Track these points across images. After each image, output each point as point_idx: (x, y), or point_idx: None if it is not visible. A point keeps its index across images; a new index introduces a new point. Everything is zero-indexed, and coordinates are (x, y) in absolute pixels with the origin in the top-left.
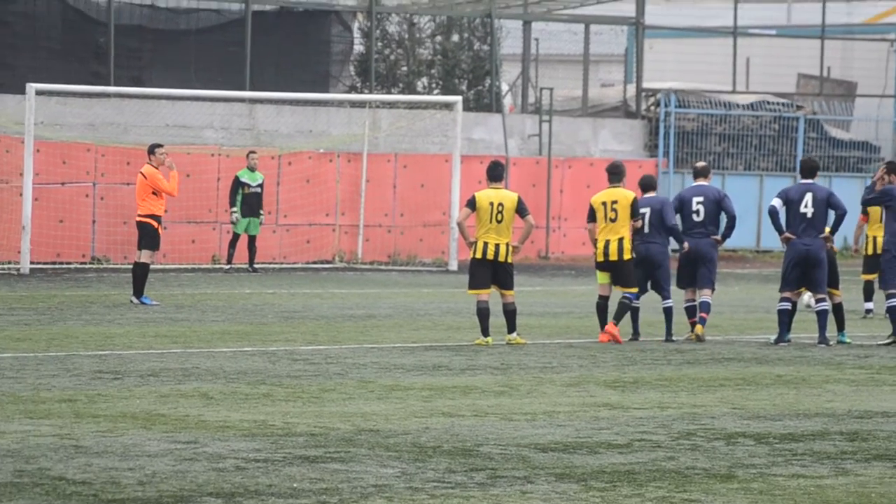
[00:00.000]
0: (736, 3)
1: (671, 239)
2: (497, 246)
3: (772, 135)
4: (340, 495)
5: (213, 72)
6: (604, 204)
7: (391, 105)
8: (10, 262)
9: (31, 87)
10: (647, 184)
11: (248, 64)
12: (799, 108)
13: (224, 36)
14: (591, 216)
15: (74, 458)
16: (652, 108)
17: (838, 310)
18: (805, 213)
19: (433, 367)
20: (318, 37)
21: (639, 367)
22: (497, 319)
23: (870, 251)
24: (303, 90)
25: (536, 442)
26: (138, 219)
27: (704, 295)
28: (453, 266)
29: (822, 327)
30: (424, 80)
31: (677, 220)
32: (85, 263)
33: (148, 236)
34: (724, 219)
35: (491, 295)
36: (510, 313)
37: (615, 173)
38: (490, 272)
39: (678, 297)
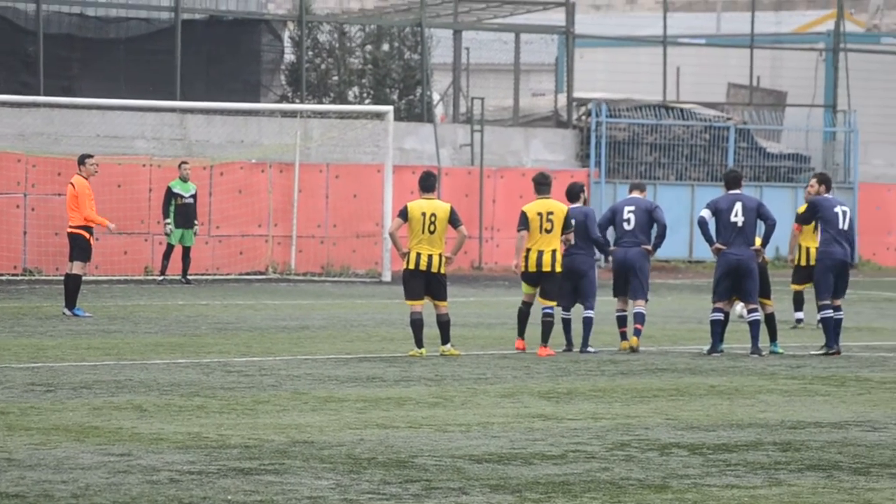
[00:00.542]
0: (665, 12)
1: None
2: (430, 256)
3: (703, 144)
4: None
5: (144, 81)
6: (539, 214)
7: (322, 115)
8: None
9: None
10: (573, 192)
11: (179, 73)
12: (728, 117)
13: (154, 45)
14: (524, 224)
15: (7, 472)
16: (583, 117)
17: (770, 320)
18: (735, 223)
19: (367, 378)
20: (249, 46)
21: (573, 378)
22: (431, 330)
23: (802, 262)
24: (234, 100)
25: (471, 453)
26: (70, 230)
27: (638, 306)
28: (387, 277)
29: (755, 337)
30: (355, 89)
31: (609, 232)
32: (16, 275)
33: (79, 248)
34: (649, 231)
35: (425, 306)
36: (444, 324)
37: (544, 184)
38: (423, 283)
39: (603, 309)
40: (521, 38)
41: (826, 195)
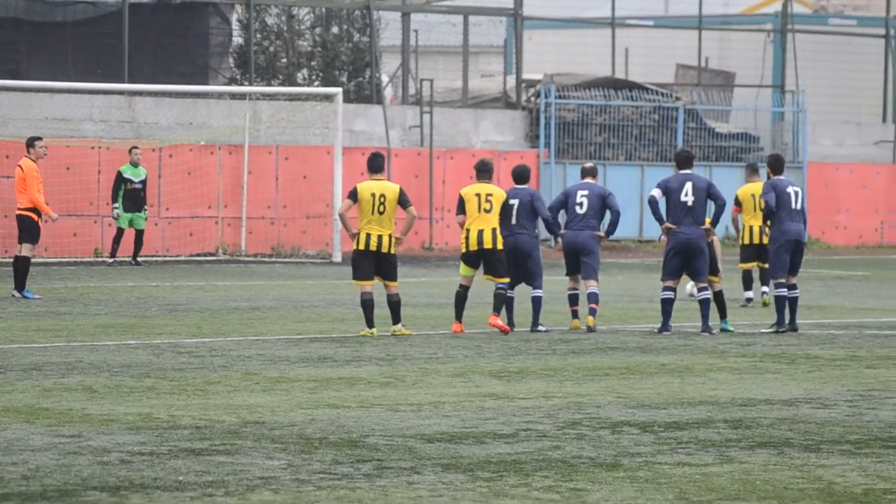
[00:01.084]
0: None
1: (542, 229)
2: (380, 237)
3: (652, 125)
4: (226, 488)
5: (91, 64)
6: (477, 195)
7: (271, 97)
8: None
9: None
10: (519, 174)
11: (126, 56)
12: (677, 98)
13: (101, 28)
14: (461, 208)
15: None
16: (532, 98)
17: (719, 297)
18: (686, 202)
19: (318, 358)
20: (197, 29)
21: (524, 357)
22: (382, 311)
23: (746, 241)
24: (182, 82)
25: (423, 433)
26: (18, 212)
27: (591, 286)
28: (337, 258)
29: (705, 316)
30: (304, 71)
31: (561, 215)
32: None
33: (28, 230)
34: (608, 216)
35: (375, 286)
36: (395, 304)
37: (485, 171)
38: (373, 263)
39: (552, 288)
40: (470, 19)
41: (779, 177)
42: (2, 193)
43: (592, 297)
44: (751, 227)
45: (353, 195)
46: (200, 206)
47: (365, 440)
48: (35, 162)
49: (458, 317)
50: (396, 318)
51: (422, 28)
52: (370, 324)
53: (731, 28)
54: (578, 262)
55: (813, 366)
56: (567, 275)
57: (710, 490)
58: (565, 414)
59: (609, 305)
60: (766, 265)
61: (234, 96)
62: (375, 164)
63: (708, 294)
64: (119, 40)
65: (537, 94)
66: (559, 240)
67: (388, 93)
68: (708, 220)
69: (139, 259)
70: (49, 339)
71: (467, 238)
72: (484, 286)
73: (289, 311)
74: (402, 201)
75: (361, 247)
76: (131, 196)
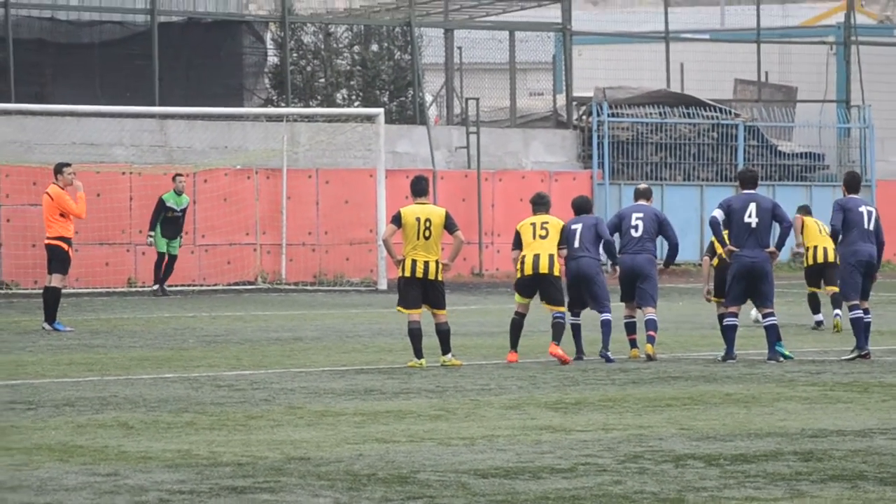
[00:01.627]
0: (667, 7)
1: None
2: (426, 263)
3: (710, 143)
4: None
5: (120, 86)
6: (532, 224)
7: (310, 118)
8: None
9: None
10: (580, 206)
11: (157, 78)
12: (737, 115)
13: (130, 49)
14: (517, 243)
15: None
16: (584, 117)
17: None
18: (749, 224)
19: (365, 391)
20: (230, 48)
21: (581, 388)
22: (430, 340)
23: (811, 262)
24: (215, 104)
25: (476, 468)
26: (47, 241)
27: (648, 313)
28: (382, 285)
29: (771, 343)
30: (344, 91)
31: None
32: None
33: (58, 260)
34: (656, 240)
35: (423, 315)
36: (443, 333)
37: (541, 203)
38: (420, 291)
39: (619, 313)
40: (516, 35)
41: (851, 195)
42: (29, 222)
43: (651, 325)
44: (815, 248)
45: (398, 220)
46: (238, 232)
47: (415, 476)
48: (63, 189)
49: (514, 345)
50: (446, 348)
51: (466, 44)
52: (419, 354)
53: (791, 41)
54: (634, 287)
55: (887, 394)
56: (622, 301)
57: None
58: (626, 447)
59: (669, 333)
60: (834, 288)
61: (270, 118)
62: (419, 188)
63: (774, 320)
64: (149, 61)
65: (589, 113)
66: (617, 266)
67: (432, 113)
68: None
69: (166, 288)
70: (82, 374)
71: (522, 263)
72: (538, 314)
73: (333, 342)
74: (449, 225)
75: (407, 274)
76: (170, 223)
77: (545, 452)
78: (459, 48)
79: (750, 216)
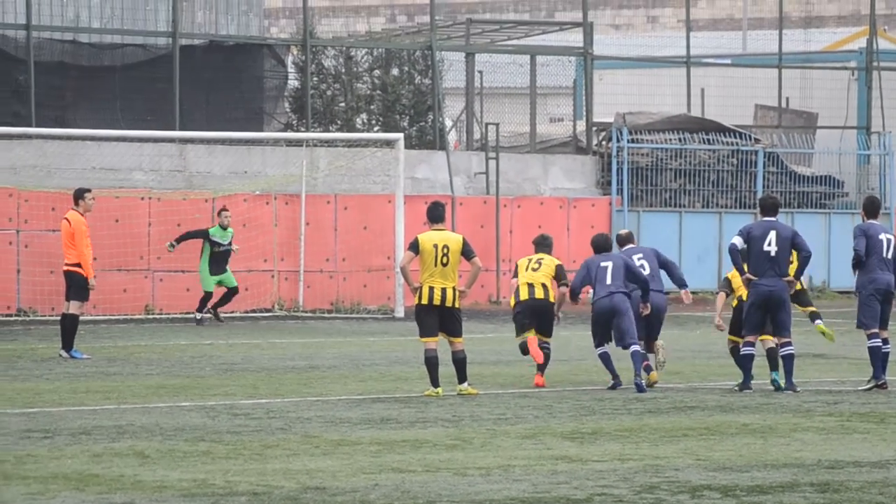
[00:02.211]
0: (689, 31)
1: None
2: (443, 290)
3: (730, 170)
4: None
5: (141, 111)
6: (529, 260)
7: (329, 143)
8: None
9: None
10: (601, 245)
11: (178, 101)
12: (757, 140)
13: (151, 72)
14: (516, 274)
15: None
16: (604, 142)
17: (772, 351)
18: (769, 252)
19: (381, 420)
20: (251, 72)
21: (597, 417)
22: (447, 369)
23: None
24: (236, 129)
25: (492, 497)
26: (65, 268)
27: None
28: (400, 313)
29: (789, 372)
30: (364, 116)
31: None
32: (10, 315)
33: (76, 286)
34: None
35: (439, 343)
36: (460, 362)
37: (543, 245)
38: (437, 318)
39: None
40: (537, 59)
41: (871, 221)
42: (48, 248)
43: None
44: None
45: (415, 247)
46: (256, 259)
47: None
48: (83, 215)
49: (539, 369)
50: (462, 377)
51: (487, 69)
52: (435, 383)
53: (812, 66)
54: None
55: None
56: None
57: None
58: (642, 477)
59: (686, 361)
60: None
61: (290, 143)
62: (436, 214)
63: (792, 349)
64: (170, 85)
65: (608, 138)
66: (648, 303)
67: (451, 138)
68: (792, 273)
69: (221, 315)
70: (99, 402)
71: (517, 293)
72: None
73: (349, 370)
74: (466, 252)
75: (424, 301)
76: (218, 258)
77: (561, 482)
78: (480, 72)
79: (769, 244)
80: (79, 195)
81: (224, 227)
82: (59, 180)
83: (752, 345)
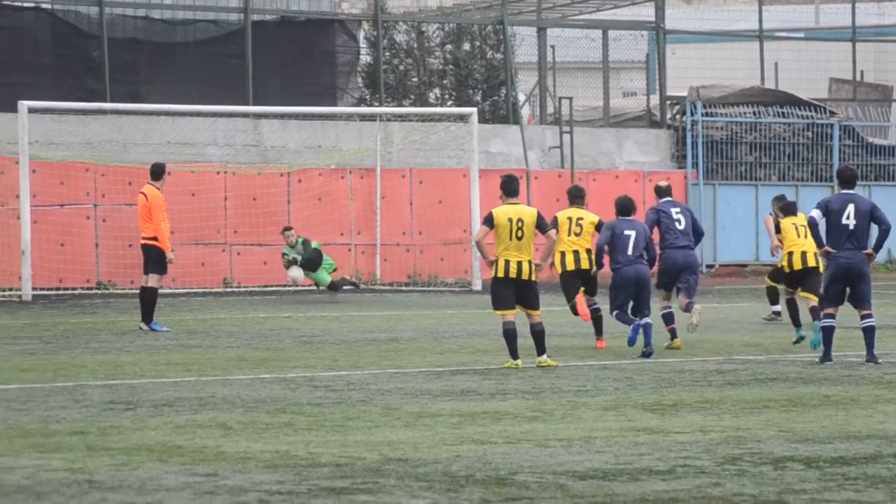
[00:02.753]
0: (761, 5)
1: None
2: (519, 263)
3: (805, 143)
4: None
5: (214, 86)
6: (569, 219)
7: (403, 118)
8: (10, 289)
9: (24, 104)
10: (624, 207)
11: (251, 77)
12: (832, 113)
13: (224, 48)
14: (556, 226)
15: (88, 494)
16: (677, 116)
17: (814, 311)
18: (847, 225)
19: (461, 392)
20: (323, 47)
21: (678, 389)
22: (526, 341)
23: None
24: (309, 103)
25: (574, 469)
26: (143, 241)
27: (867, 317)
28: (477, 286)
29: (870, 344)
30: (437, 90)
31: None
32: (89, 289)
33: (155, 260)
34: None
35: (517, 315)
36: (538, 334)
37: (578, 197)
38: (514, 291)
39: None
40: (610, 34)
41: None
42: (125, 222)
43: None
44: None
45: (489, 221)
46: (332, 233)
47: (513, 477)
48: (160, 190)
49: (598, 333)
50: (541, 349)
51: (559, 43)
52: (514, 355)
53: (887, 39)
54: (677, 280)
55: None
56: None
57: None
58: (724, 449)
59: (766, 334)
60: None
61: (363, 118)
62: (511, 188)
63: (872, 321)
64: (242, 60)
65: (682, 112)
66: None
67: (525, 112)
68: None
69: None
70: (180, 374)
71: (563, 261)
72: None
73: (428, 343)
74: (541, 225)
75: (500, 274)
76: (305, 266)
77: (643, 454)
78: (552, 47)
79: (848, 218)
80: (162, 170)
81: (292, 245)
82: (135, 155)
83: (833, 317)
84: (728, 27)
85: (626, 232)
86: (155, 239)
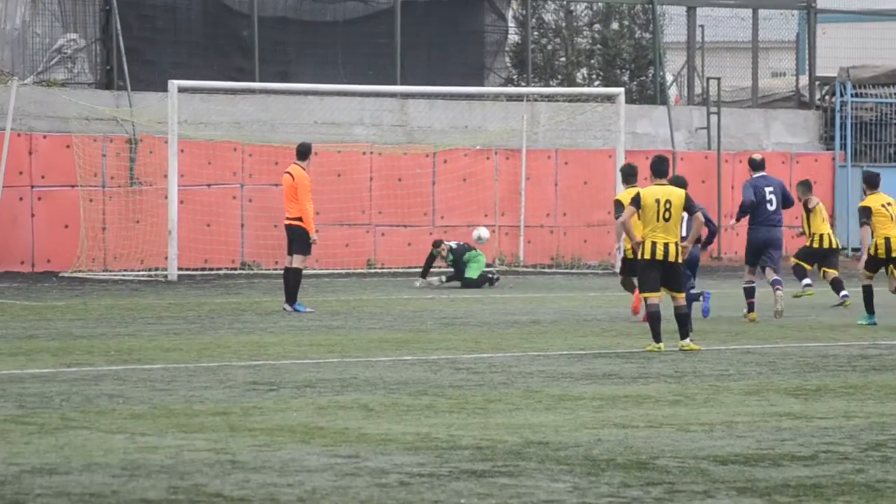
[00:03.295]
0: None
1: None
2: (666, 245)
3: None
4: None
5: (362, 65)
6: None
7: (550, 98)
8: (156, 269)
9: (174, 83)
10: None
11: (399, 56)
12: None
13: (372, 27)
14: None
15: (231, 474)
16: (826, 97)
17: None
18: None
19: (603, 375)
20: (471, 26)
21: (822, 374)
22: (669, 325)
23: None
24: (456, 83)
25: (715, 454)
26: (287, 222)
27: (773, 275)
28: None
29: None
30: (584, 70)
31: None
32: (234, 269)
33: (300, 241)
34: None
35: (662, 298)
36: (683, 317)
37: (661, 169)
38: (660, 273)
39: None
40: (760, 13)
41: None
42: (271, 202)
43: (778, 283)
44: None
45: (637, 201)
46: (476, 214)
47: (654, 462)
48: (306, 170)
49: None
50: (685, 333)
51: (708, 23)
52: (657, 338)
53: None
54: (761, 255)
55: None
56: (748, 264)
57: None
58: (868, 435)
59: None
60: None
61: (510, 98)
62: (660, 168)
63: None
64: (391, 40)
65: (832, 93)
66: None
67: (672, 92)
68: None
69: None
70: (322, 355)
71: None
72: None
73: (571, 325)
74: (689, 206)
75: (647, 256)
76: (454, 266)
77: (785, 440)
78: (702, 26)
79: None
80: (308, 151)
81: (444, 258)
82: (283, 135)
83: None
84: (882, 6)
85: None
86: (300, 219)
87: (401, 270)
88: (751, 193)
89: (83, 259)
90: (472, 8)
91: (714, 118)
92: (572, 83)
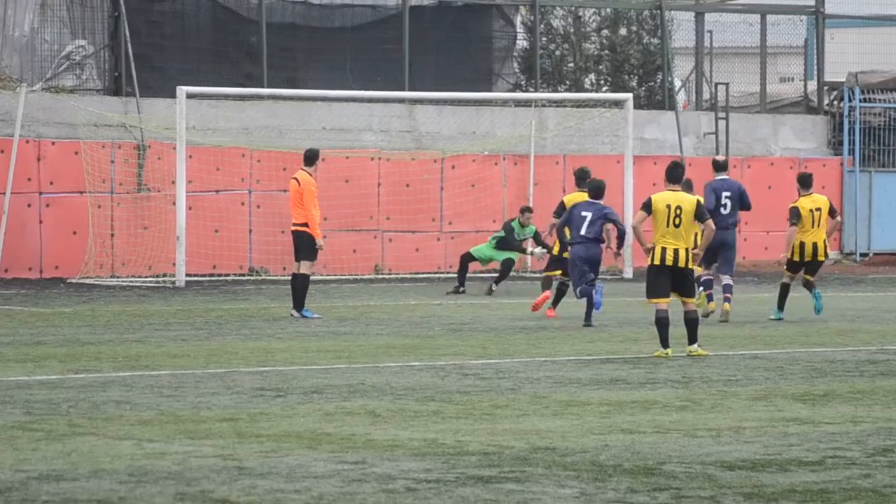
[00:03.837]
0: None
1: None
2: (676, 251)
3: None
4: None
5: (370, 71)
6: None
7: (558, 104)
8: (164, 275)
9: (182, 90)
10: (596, 188)
11: (407, 62)
12: None
13: (381, 33)
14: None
15: (238, 480)
16: (835, 102)
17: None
18: None
19: (610, 381)
20: (480, 32)
21: (829, 380)
22: (677, 330)
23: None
24: (464, 89)
25: (722, 459)
26: (294, 228)
27: (727, 279)
28: (628, 273)
29: None
30: (592, 76)
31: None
32: (242, 275)
33: (305, 246)
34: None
35: (670, 304)
36: (692, 322)
37: (675, 174)
38: (669, 279)
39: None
40: (768, 19)
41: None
42: (279, 208)
43: (728, 289)
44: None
45: (647, 207)
46: (485, 219)
47: (661, 467)
48: (313, 176)
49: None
50: (693, 338)
51: (716, 28)
52: (665, 344)
53: None
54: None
55: None
56: (705, 263)
57: None
58: (875, 440)
59: None
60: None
61: (518, 103)
62: (675, 174)
63: None
64: (399, 45)
65: (840, 98)
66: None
67: (680, 98)
68: None
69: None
70: (330, 361)
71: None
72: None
73: (578, 331)
74: (699, 214)
75: (657, 261)
76: (503, 244)
77: (793, 445)
78: (710, 32)
79: None
80: (315, 157)
81: (523, 225)
82: (291, 140)
83: None
84: (889, 11)
85: (583, 213)
86: (305, 225)
87: (408, 276)
88: (711, 200)
89: (91, 265)
90: (481, 14)
91: (722, 123)
92: (580, 89)
